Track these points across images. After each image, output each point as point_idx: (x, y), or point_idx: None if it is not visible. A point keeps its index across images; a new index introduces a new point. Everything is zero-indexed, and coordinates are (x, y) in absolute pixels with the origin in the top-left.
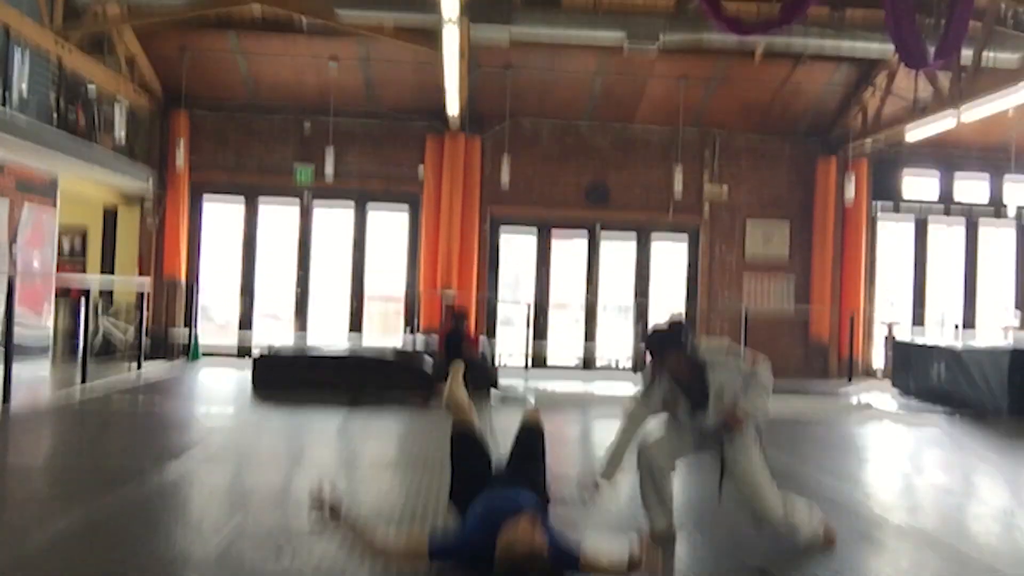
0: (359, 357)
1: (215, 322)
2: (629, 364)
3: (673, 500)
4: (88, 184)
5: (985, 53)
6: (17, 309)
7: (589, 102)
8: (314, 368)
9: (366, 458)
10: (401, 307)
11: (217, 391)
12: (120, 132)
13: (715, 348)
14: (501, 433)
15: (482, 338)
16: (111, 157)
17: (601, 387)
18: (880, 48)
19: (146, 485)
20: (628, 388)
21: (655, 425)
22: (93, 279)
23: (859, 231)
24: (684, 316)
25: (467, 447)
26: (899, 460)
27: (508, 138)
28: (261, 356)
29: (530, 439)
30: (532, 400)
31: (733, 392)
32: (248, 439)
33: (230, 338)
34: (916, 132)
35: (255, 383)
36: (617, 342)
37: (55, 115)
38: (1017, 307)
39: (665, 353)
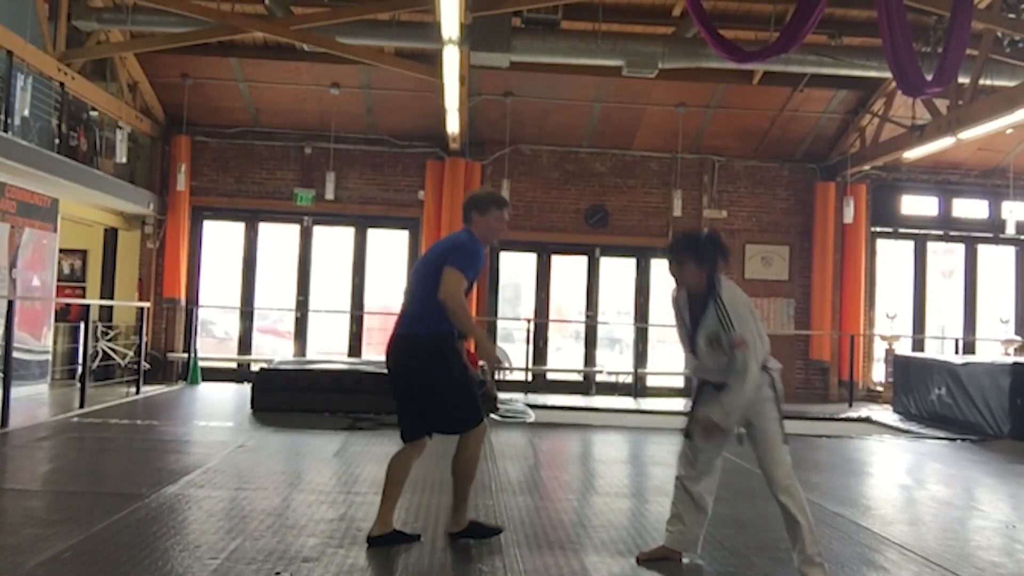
0: (359, 372)
1: (215, 336)
2: (629, 380)
3: (698, 521)
4: (89, 207)
5: (982, 80)
6: (16, 332)
7: (588, 128)
8: (315, 381)
9: (365, 481)
10: None
11: (216, 413)
12: (121, 157)
13: (738, 294)
14: (501, 457)
15: (481, 362)
16: (112, 182)
17: (601, 402)
18: (878, 74)
19: (143, 508)
20: (628, 403)
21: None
22: (92, 302)
23: (858, 255)
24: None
25: None
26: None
27: (508, 163)
28: (262, 370)
29: None
30: (531, 415)
31: (717, 347)
32: (247, 462)
33: (230, 354)
34: (914, 152)
35: (255, 396)
36: (617, 360)
37: (57, 140)
38: (1017, 333)
39: (682, 258)
